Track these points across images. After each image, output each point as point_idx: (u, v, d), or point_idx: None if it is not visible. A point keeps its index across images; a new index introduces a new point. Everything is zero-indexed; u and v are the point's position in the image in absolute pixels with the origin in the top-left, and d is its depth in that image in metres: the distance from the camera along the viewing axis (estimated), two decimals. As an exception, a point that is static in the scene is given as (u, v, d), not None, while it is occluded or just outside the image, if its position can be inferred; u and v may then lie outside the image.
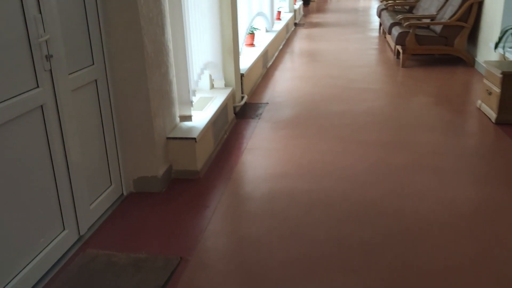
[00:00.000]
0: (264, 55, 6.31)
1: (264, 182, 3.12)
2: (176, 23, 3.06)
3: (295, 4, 11.41)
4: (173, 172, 3.18)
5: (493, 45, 5.33)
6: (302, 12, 12.94)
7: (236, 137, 3.97)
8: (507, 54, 4.89)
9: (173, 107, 3.21)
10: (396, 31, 6.39)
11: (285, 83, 5.76)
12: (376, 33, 9.31)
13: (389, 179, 3.12)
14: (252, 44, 6.23)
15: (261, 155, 3.58)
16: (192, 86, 3.30)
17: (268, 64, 6.66)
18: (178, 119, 3.29)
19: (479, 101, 4.53)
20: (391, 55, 7.12)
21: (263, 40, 6.75)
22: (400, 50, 6.31)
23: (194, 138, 3.08)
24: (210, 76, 4.18)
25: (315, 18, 12.24)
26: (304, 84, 5.63)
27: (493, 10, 5.56)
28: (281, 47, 8.20)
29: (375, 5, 15.03)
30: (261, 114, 4.57)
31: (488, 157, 3.45)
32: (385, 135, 3.91)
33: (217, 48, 3.97)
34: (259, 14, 6.49)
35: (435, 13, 6.86)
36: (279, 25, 8.23)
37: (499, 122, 4.09)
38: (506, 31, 4.85)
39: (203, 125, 3.27)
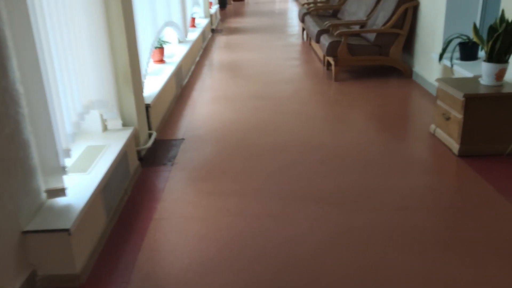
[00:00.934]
0: (178, 72, 5.30)
1: (179, 283, 2.14)
2: (27, 54, 1.98)
3: (210, 8, 10.45)
4: (39, 279, 2.10)
5: (436, 56, 4.72)
6: (219, 17, 12.01)
7: (140, 199, 2.95)
8: (455, 67, 4.29)
9: (33, 180, 2.12)
10: (325, 40, 5.65)
11: (205, 107, 4.79)
12: (299, 39, 8.61)
13: (354, 257, 2.26)
14: (161, 61, 5.19)
15: (175, 231, 2.58)
16: (62, 144, 2.23)
17: (183, 82, 5.65)
18: (43, 196, 2.21)
19: (433, 126, 3.85)
20: (320, 66, 6.40)
21: (176, 53, 5.73)
22: (332, 62, 5.58)
23: (67, 230, 2.03)
24: (102, 115, 3.11)
25: (234, 22, 11.37)
26: (227, 108, 4.70)
27: (431, 16, 4.98)
28: (198, 58, 7.21)
29: (291, 7, 14.47)
30: (175, 157, 3.57)
31: (469, 213, 2.72)
32: (332, 183, 3.08)
33: (106, 78, 2.92)
34: (168, 24, 5.46)
35: (364, 19, 6.23)
36: (194, 34, 7.23)
37: (463, 154, 3.42)
38: (451, 40, 4.24)
39: (84, 201, 2.22)
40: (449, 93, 3.50)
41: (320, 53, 6.76)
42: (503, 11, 3.43)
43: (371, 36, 5.56)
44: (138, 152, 3.44)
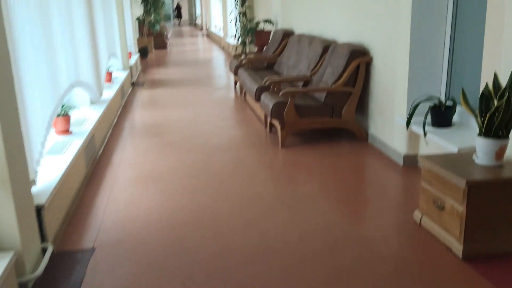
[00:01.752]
0: (89, 145, 4.21)
1: None
2: None
3: (130, 58, 9.44)
4: None
5: (401, 119, 4.07)
6: (139, 67, 11.01)
7: None
8: (429, 136, 3.62)
9: None
10: (268, 100, 4.86)
11: (124, 192, 3.73)
12: (230, 93, 7.82)
13: None
14: (67, 131, 4.09)
15: None
16: None
17: (96, 155, 4.55)
18: None
19: (418, 214, 3.09)
20: (261, 127, 5.58)
21: (88, 118, 4.64)
22: (278, 126, 4.77)
23: None
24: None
25: (156, 73, 10.41)
26: (154, 193, 3.67)
27: (388, 73, 4.37)
28: (115, 120, 6.13)
29: (217, 56, 13.83)
30: (79, 284, 2.46)
31: None
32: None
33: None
34: (76, 85, 4.39)
35: (308, 74, 5.56)
36: (110, 91, 6.17)
37: (468, 257, 2.65)
38: (418, 103, 3.59)
39: None
40: (442, 176, 2.76)
41: (260, 111, 5.97)
42: (495, 74, 2.79)
43: (320, 96, 4.85)
44: (23, 285, 2.30)
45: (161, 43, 16.16)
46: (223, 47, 15.58)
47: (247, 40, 11.28)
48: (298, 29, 7.31)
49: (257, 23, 8.88)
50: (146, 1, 14.07)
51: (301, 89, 4.96)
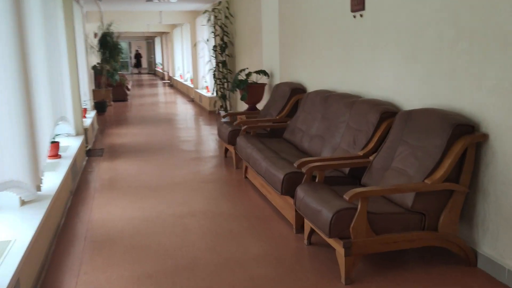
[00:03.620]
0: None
1: None
2: None
3: (85, 118, 7.40)
4: None
5: None
6: (96, 127, 8.93)
7: None
8: None
9: None
10: (320, 204, 2.98)
11: None
12: (221, 167, 5.90)
13: None
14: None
15: None
16: None
17: (22, 318, 2.47)
18: None
19: None
20: (288, 232, 3.67)
21: (12, 242, 2.59)
22: (339, 248, 2.87)
23: None
24: None
25: (117, 135, 8.34)
26: None
27: (531, 165, 2.62)
28: (62, 221, 4.05)
29: (187, 110, 11.90)
30: None
31: None
32: None
33: None
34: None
35: (358, 153, 3.76)
36: (56, 176, 4.12)
37: None
38: None
39: None
40: None
41: (284, 205, 4.05)
42: None
43: (404, 198, 3.00)
44: None
45: (120, 94, 14.14)
46: (193, 100, 13.74)
47: (228, 94, 9.51)
48: (313, 84, 5.59)
49: (248, 74, 7.17)
50: (105, 48, 12.13)
51: (380, 188, 3.10)
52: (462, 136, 2.94)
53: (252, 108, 7.18)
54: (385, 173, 3.33)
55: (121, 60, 16.10)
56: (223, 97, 9.42)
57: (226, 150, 6.30)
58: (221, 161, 6.22)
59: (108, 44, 12.18)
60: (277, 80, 6.84)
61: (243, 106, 8.61)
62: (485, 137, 2.94)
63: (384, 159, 3.41)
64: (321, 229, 2.96)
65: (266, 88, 7.22)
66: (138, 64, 34.73)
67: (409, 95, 3.71)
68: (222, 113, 9.53)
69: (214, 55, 9.66)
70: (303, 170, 3.46)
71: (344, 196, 2.80)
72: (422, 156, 3.06)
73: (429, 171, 2.95)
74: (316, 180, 3.47)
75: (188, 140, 7.88)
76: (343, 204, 2.87)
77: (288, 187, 3.68)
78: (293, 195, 3.67)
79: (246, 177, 5.30)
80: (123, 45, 26.41)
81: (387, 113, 3.74)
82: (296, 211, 3.62)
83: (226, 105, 9.45)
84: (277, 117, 5.73)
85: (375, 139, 3.71)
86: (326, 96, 4.73)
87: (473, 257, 3.06)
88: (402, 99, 3.81)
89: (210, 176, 5.49)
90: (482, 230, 3.03)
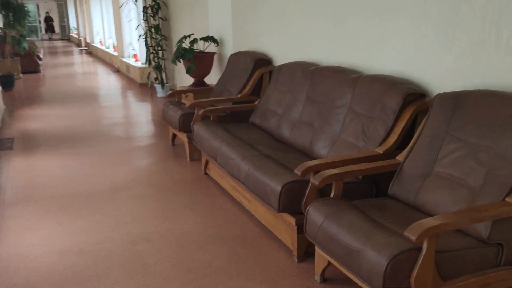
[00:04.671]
0: None
1: None
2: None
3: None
4: None
5: None
6: (3, 108, 7.27)
7: None
8: None
9: None
10: (356, 240, 2.01)
11: None
12: (169, 158, 4.75)
13: None
14: None
15: None
16: None
17: None
18: None
19: None
20: (286, 259, 2.70)
21: None
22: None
23: None
24: None
25: (31, 118, 6.77)
26: None
27: None
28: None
29: (114, 83, 10.35)
30: None
31: None
32: None
33: None
34: None
35: (377, 151, 2.82)
36: None
37: None
38: None
39: None
40: None
41: (282, 227, 3.04)
42: None
43: (476, 230, 2.09)
44: None
45: (31, 65, 12.13)
46: (119, 70, 12.11)
47: (164, 64, 8.17)
48: (283, 55, 4.53)
49: (193, 42, 5.93)
50: (7, 9, 10.11)
51: (456, 217, 2.14)
52: (555, 134, 2.07)
53: (200, 83, 5.99)
54: (425, 182, 2.42)
55: (28, 24, 13.86)
56: (157, 67, 8.08)
57: (174, 136, 5.13)
58: (168, 151, 5.04)
59: (11, 6, 10.17)
60: (229, 49, 5.69)
61: (183, 78, 7.39)
62: None
63: (421, 162, 2.49)
64: (365, 279, 1.99)
65: (216, 58, 6.05)
66: (49, 29, 31.32)
67: (442, 71, 2.78)
68: (158, 87, 8.23)
69: (145, 18, 8.21)
70: (315, 181, 2.44)
71: (407, 234, 1.84)
72: (490, 160, 2.17)
73: (510, 185, 2.07)
74: (332, 194, 2.49)
75: (121, 123, 6.55)
76: (400, 243, 1.91)
77: (288, 202, 2.67)
78: (293, 212, 2.69)
79: (206, 174, 4.21)
80: (30, 7, 23.44)
81: (412, 95, 2.81)
82: (299, 233, 2.64)
83: (162, 77, 8.13)
84: (239, 96, 4.64)
85: (398, 130, 2.78)
86: (311, 71, 3.70)
87: (554, 293, 2.27)
88: (428, 76, 2.89)
89: (160, 175, 4.33)
90: None
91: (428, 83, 2.89)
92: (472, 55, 2.56)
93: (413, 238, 1.80)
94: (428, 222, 1.85)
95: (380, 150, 2.78)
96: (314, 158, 3.25)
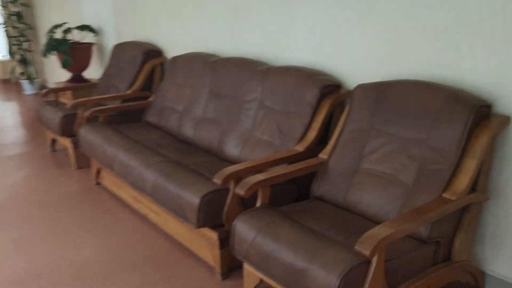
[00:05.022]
0: None
1: None
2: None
3: None
4: None
5: None
6: None
7: None
8: None
9: None
10: (325, 268, 1.78)
11: None
12: (50, 168, 4.10)
13: None
14: None
15: None
16: None
17: None
18: None
19: None
20: (214, 283, 2.40)
21: None
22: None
23: None
24: None
25: None
26: None
27: None
28: None
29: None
30: None
31: None
32: None
33: None
34: None
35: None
36: None
37: None
38: None
39: None
40: None
41: (200, 242, 2.69)
42: None
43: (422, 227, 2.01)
44: None
45: None
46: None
47: (32, 57, 7.19)
48: (176, 46, 4.13)
49: (67, 31, 5.19)
50: None
51: (407, 223, 1.97)
52: (480, 123, 2.03)
53: (78, 78, 5.31)
54: (354, 180, 2.28)
55: None
56: (23, 61, 7.08)
57: (54, 141, 4.46)
58: (47, 159, 4.36)
59: None
60: (110, 39, 5.11)
61: (55, 72, 6.56)
62: (503, 122, 2.09)
63: (348, 159, 2.34)
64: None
65: (95, 49, 5.41)
66: None
67: (355, 60, 2.66)
68: (26, 83, 7.22)
69: (4, 4, 7.10)
70: (240, 191, 2.16)
71: (358, 248, 1.64)
72: (422, 154, 2.07)
73: (446, 181, 1.99)
74: (259, 203, 2.23)
75: (-16, 127, 5.58)
76: (350, 258, 1.72)
77: (208, 216, 2.35)
78: (213, 226, 2.39)
79: (98, 184, 3.69)
80: None
81: (329, 87, 2.65)
82: (222, 247, 2.36)
83: (29, 72, 7.14)
84: (129, 92, 4.15)
85: (317, 126, 2.61)
86: (212, 62, 3.38)
87: (482, 281, 2.29)
88: (341, 66, 2.75)
89: (42, 189, 3.69)
90: (491, 245, 2.26)
91: (342, 73, 2.76)
92: (389, 43, 2.46)
93: (366, 252, 1.61)
94: (379, 232, 1.68)
95: (300, 148, 2.58)
96: (224, 159, 2.98)
